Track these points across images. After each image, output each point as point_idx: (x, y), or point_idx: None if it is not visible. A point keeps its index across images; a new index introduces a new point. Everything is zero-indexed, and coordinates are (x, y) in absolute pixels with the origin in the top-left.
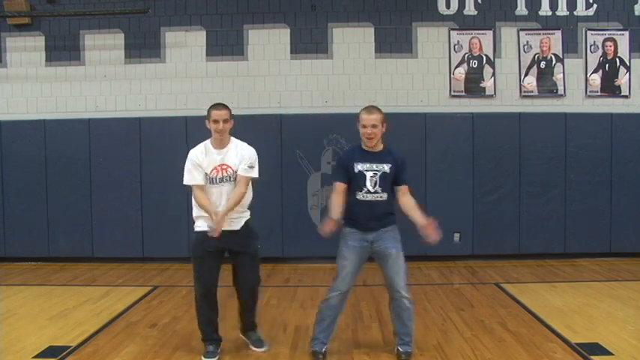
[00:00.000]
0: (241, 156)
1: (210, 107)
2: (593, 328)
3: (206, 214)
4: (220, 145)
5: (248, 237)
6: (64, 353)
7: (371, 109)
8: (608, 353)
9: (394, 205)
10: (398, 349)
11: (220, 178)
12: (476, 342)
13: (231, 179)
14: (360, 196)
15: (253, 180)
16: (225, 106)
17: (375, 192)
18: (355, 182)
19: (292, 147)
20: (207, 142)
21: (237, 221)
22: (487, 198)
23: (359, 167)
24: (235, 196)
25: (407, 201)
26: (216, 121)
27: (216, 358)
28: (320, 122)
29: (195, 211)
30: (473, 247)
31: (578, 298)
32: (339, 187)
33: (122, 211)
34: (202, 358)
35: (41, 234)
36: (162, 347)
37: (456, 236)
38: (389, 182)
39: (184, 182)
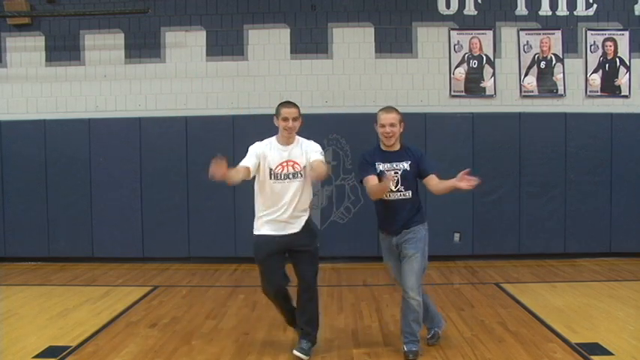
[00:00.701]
0: (306, 150)
1: (280, 105)
2: (593, 328)
3: (270, 217)
4: (287, 142)
5: (309, 236)
6: (64, 353)
7: (389, 108)
8: (608, 353)
9: (420, 203)
10: (403, 349)
11: (286, 174)
12: (476, 342)
13: (298, 176)
14: (384, 196)
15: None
16: (295, 105)
17: (398, 191)
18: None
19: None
20: (273, 138)
21: (299, 222)
22: (487, 198)
23: (380, 167)
24: (321, 169)
25: (435, 182)
26: (285, 119)
27: (308, 357)
28: (320, 122)
29: (258, 210)
30: (473, 247)
31: (578, 298)
32: (371, 180)
33: (122, 211)
34: (294, 352)
35: (41, 234)
36: (162, 347)
37: (456, 236)
38: (411, 180)
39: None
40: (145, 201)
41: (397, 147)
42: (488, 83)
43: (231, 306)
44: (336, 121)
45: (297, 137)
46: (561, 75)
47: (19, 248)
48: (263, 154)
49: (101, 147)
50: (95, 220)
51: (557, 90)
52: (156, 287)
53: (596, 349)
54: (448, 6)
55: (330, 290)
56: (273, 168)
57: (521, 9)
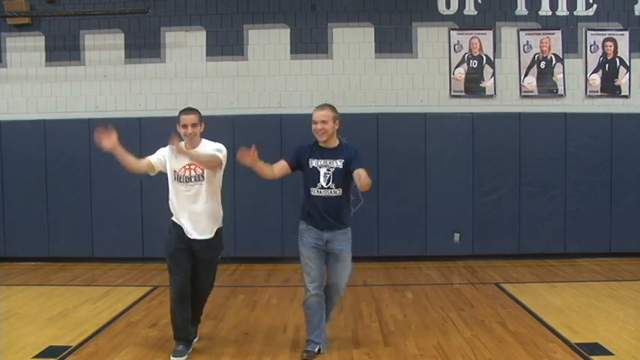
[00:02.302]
0: (210, 150)
1: (180, 112)
2: (593, 328)
3: (176, 217)
4: (191, 146)
5: (214, 248)
6: (64, 353)
7: (322, 105)
8: (608, 353)
9: (349, 203)
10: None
11: (188, 177)
12: (476, 342)
13: (200, 179)
14: (314, 191)
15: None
16: (193, 111)
17: (329, 187)
18: (309, 178)
19: (292, 147)
20: (181, 143)
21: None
22: (487, 198)
23: (313, 163)
24: (208, 155)
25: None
26: (185, 126)
27: (186, 356)
28: None
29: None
30: (473, 247)
31: (578, 298)
32: (282, 162)
33: (122, 211)
34: (171, 357)
35: (41, 234)
36: (162, 347)
37: (456, 236)
38: (342, 178)
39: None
40: (144, 201)
41: (334, 144)
42: (488, 83)
43: (231, 306)
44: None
45: (203, 140)
46: (561, 75)
47: (19, 248)
48: (167, 159)
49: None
50: (95, 220)
51: (557, 90)
52: (156, 287)
53: (596, 349)
54: (448, 6)
55: None
56: (177, 170)
57: (521, 9)
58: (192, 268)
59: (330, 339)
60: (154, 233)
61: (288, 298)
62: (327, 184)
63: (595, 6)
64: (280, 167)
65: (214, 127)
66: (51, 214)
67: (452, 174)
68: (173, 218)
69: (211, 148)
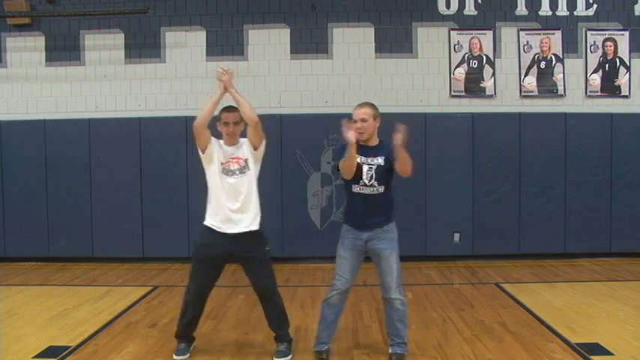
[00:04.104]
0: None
1: (222, 110)
2: (593, 328)
3: (218, 215)
4: (231, 143)
5: (261, 241)
6: (64, 353)
7: (362, 103)
8: (608, 353)
9: (393, 201)
10: (389, 351)
11: (233, 170)
12: (476, 342)
13: (245, 170)
14: (356, 189)
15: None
16: (235, 109)
17: (371, 185)
18: (352, 176)
19: (292, 147)
20: (221, 141)
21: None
22: (487, 198)
23: (357, 160)
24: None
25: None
26: (227, 124)
27: (188, 355)
28: (320, 122)
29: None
30: (473, 247)
31: (578, 298)
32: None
33: (122, 211)
34: (174, 356)
35: (41, 234)
36: (162, 347)
37: (456, 236)
38: (385, 175)
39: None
40: (144, 201)
41: (374, 142)
42: (488, 83)
43: (231, 306)
44: (336, 121)
45: (241, 139)
46: (561, 75)
47: (19, 248)
48: (216, 150)
49: (101, 147)
50: (95, 220)
51: (557, 90)
52: (156, 287)
53: (596, 349)
54: (448, 6)
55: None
56: (223, 162)
57: (521, 9)
58: (248, 273)
59: None
60: (154, 233)
61: (288, 298)
62: (369, 181)
63: (595, 6)
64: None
65: (215, 127)
66: (51, 214)
67: (452, 174)
68: (208, 223)
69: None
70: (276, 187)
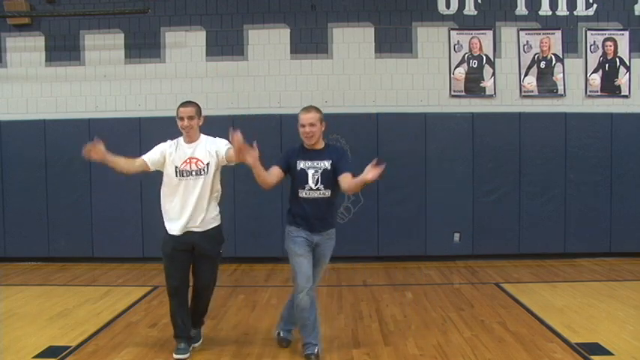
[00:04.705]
0: (215, 145)
1: (179, 105)
2: (593, 328)
3: (170, 218)
4: (190, 140)
5: (215, 241)
6: (64, 353)
7: (309, 108)
8: (608, 353)
9: (336, 206)
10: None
11: (190, 171)
12: (476, 342)
13: (202, 172)
14: (302, 193)
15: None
16: (192, 103)
17: (318, 189)
18: (297, 180)
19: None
20: (180, 138)
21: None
22: (487, 198)
23: (301, 165)
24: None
25: (348, 179)
26: (181, 119)
27: (188, 354)
28: None
29: (165, 211)
30: (473, 246)
31: (578, 298)
32: (274, 168)
33: (122, 211)
34: (174, 355)
35: (41, 234)
36: (162, 347)
37: (456, 236)
38: (331, 179)
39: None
40: (144, 201)
41: (320, 146)
42: (488, 83)
43: (231, 306)
44: (336, 121)
45: (202, 135)
46: (561, 75)
47: (19, 248)
48: (167, 155)
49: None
50: (95, 220)
51: (557, 90)
52: (156, 287)
53: (596, 349)
54: (448, 6)
55: (330, 290)
56: (179, 165)
57: (521, 9)
58: (193, 266)
59: (330, 339)
60: (154, 233)
61: (287, 298)
62: (315, 185)
63: (595, 6)
64: (275, 173)
65: (214, 127)
66: (51, 214)
67: (452, 174)
68: (165, 221)
69: (217, 143)
70: (276, 187)
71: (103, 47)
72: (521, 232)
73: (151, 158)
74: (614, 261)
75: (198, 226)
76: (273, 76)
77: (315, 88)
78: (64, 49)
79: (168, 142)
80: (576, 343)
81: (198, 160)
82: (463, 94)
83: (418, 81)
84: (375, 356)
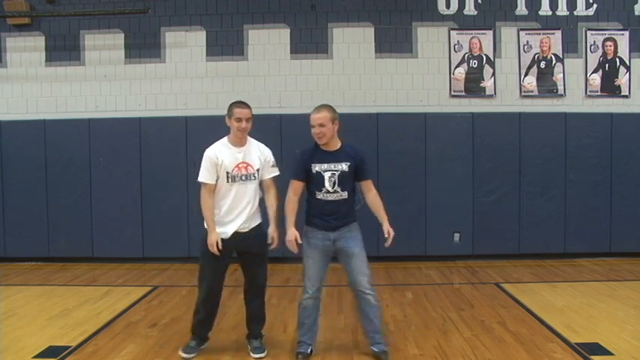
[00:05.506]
0: (264, 156)
1: (233, 105)
2: (593, 328)
3: (223, 220)
4: (240, 143)
5: (263, 239)
6: (64, 353)
7: (320, 107)
8: (608, 353)
9: (355, 202)
10: (373, 350)
11: (241, 176)
12: (476, 342)
13: (252, 178)
14: (319, 195)
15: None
16: (248, 105)
17: (335, 191)
18: (314, 183)
19: (292, 147)
20: (224, 140)
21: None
22: (487, 198)
23: (316, 168)
24: (276, 201)
25: (373, 198)
26: (239, 120)
27: (195, 354)
28: None
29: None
30: (473, 246)
31: (578, 298)
32: (297, 185)
33: (122, 211)
34: (180, 352)
35: (41, 234)
36: (162, 347)
37: (456, 236)
38: (349, 180)
39: (199, 179)
40: (144, 201)
41: (336, 146)
42: (488, 83)
43: (231, 306)
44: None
45: (249, 138)
46: (561, 75)
47: (19, 248)
48: (219, 163)
49: (101, 147)
50: (95, 220)
51: (557, 90)
52: (156, 287)
53: (596, 349)
54: (448, 6)
55: (330, 290)
56: (230, 171)
57: (521, 9)
58: (245, 269)
59: (330, 339)
60: (153, 233)
61: (288, 298)
62: (332, 187)
63: (595, 6)
64: (299, 191)
65: (214, 127)
66: (51, 214)
67: (452, 174)
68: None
69: (265, 153)
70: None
71: (103, 47)
72: (521, 232)
73: (211, 179)
74: (614, 261)
75: (245, 228)
76: (273, 76)
77: (315, 88)
78: (64, 49)
79: (212, 149)
80: (576, 343)
81: (248, 165)
82: (463, 94)
83: (418, 81)
84: (374, 356)
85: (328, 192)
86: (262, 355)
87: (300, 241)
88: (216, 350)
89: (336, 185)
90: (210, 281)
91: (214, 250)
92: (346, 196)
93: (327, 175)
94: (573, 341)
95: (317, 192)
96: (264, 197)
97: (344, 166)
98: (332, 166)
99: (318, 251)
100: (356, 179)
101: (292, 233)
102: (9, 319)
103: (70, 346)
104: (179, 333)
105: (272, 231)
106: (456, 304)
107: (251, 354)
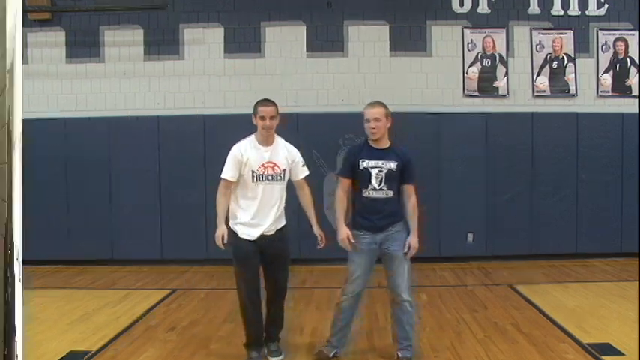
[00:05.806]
0: (292, 156)
1: (258, 103)
2: (604, 329)
3: (250, 222)
4: (267, 142)
5: (286, 240)
6: (85, 358)
7: (374, 103)
8: (619, 353)
9: (401, 203)
10: (397, 354)
11: (267, 176)
12: (489, 343)
13: (279, 178)
14: (365, 193)
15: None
16: (272, 102)
17: (381, 189)
18: (361, 179)
19: (308, 146)
20: (252, 137)
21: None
22: (500, 198)
23: (364, 164)
24: (310, 201)
25: (409, 205)
26: (263, 118)
27: (282, 356)
28: (336, 121)
29: (238, 216)
30: (486, 247)
31: (590, 298)
32: (345, 183)
33: (141, 212)
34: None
35: (62, 235)
36: (181, 351)
37: (470, 236)
38: (395, 180)
39: (222, 175)
40: (163, 201)
41: (385, 145)
42: (501, 83)
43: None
44: (352, 120)
45: (277, 137)
46: (573, 75)
47: (40, 250)
48: (244, 161)
49: (120, 146)
50: (114, 221)
51: (568, 90)
52: (174, 290)
53: (608, 349)
54: (462, 4)
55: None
56: (255, 170)
57: (534, 8)
58: (267, 270)
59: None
60: (173, 235)
61: (304, 301)
62: (379, 185)
63: (606, 6)
64: (348, 190)
65: (232, 126)
66: (72, 215)
67: (465, 174)
68: (236, 225)
69: (292, 154)
70: (292, 187)
71: (123, 44)
72: (533, 232)
73: (233, 177)
74: (625, 261)
75: (271, 231)
76: (290, 74)
77: (331, 87)
78: (84, 45)
79: (238, 147)
80: (587, 344)
81: (275, 165)
82: (477, 93)
83: (432, 80)
84: (389, 357)
85: (374, 189)
86: (280, 358)
87: (352, 240)
88: (235, 353)
89: (383, 183)
90: (248, 280)
91: (219, 242)
92: (392, 196)
93: (374, 172)
94: (585, 341)
95: (363, 190)
96: (297, 197)
97: (392, 165)
98: (380, 163)
99: (364, 256)
100: (401, 180)
101: (344, 232)
102: (30, 323)
103: (90, 351)
104: (197, 337)
105: (317, 230)
106: (469, 305)
107: (268, 357)
